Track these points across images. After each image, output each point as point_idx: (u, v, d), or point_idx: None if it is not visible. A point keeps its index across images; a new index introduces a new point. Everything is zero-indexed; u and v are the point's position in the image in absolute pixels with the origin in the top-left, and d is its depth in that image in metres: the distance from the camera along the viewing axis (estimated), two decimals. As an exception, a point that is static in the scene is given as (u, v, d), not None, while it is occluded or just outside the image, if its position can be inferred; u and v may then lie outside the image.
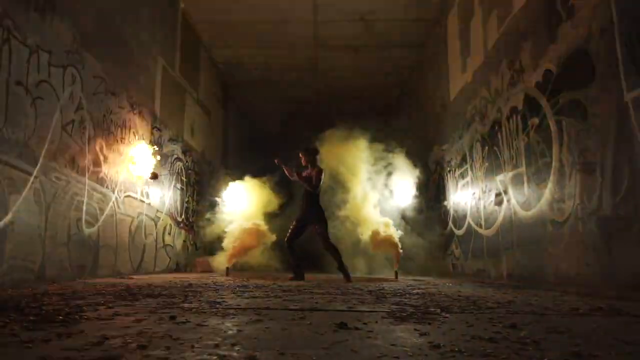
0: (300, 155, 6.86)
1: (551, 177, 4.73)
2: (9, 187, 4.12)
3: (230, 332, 1.78)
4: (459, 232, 7.88)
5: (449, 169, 8.56)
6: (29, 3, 4.44)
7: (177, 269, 8.72)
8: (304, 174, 6.71)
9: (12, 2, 4.19)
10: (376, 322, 2.08)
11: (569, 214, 4.38)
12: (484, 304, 2.95)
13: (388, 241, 7.03)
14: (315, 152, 6.89)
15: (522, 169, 5.42)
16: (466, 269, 7.44)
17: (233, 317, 2.17)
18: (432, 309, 2.58)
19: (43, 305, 2.43)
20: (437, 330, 1.88)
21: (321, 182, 6.66)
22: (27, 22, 4.41)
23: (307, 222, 6.62)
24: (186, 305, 2.63)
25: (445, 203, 8.73)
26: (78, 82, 5.32)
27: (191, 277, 6.56)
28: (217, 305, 2.64)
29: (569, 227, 4.38)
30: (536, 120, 5.07)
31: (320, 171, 6.69)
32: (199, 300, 2.91)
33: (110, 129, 6.10)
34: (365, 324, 2.01)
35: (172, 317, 2.04)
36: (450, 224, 8.39)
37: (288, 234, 6.68)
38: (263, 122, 15.21)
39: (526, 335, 1.77)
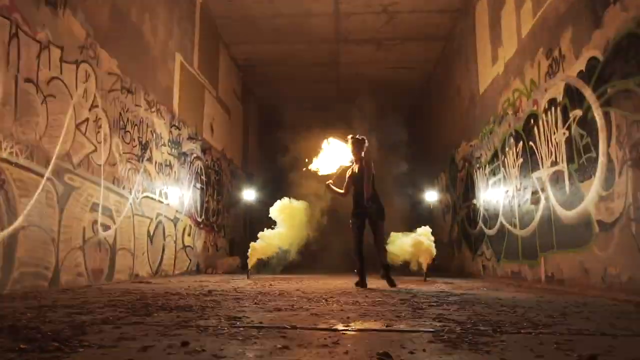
0: (353, 146, 5.80)
1: (597, 174, 4.33)
2: (19, 190, 3.92)
3: (252, 365, 1.49)
4: (490, 232, 7.48)
5: (478, 165, 8.16)
6: (39, -4, 4.23)
7: (198, 270, 8.51)
8: (355, 170, 5.79)
9: (20, -6, 3.98)
10: (423, 350, 1.75)
11: (620, 214, 3.98)
12: (536, 318, 2.61)
13: (427, 251, 6.96)
14: (363, 141, 5.81)
15: (563, 165, 5.02)
16: (498, 271, 7.05)
17: (255, 342, 1.88)
18: (482, 328, 2.25)
19: (43, 324, 2.17)
20: (500, 363, 1.56)
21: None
22: (37, 15, 4.20)
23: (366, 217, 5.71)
24: (202, 322, 2.35)
25: (475, 201, 8.32)
26: (92, 79, 5.11)
27: (212, 280, 6.31)
28: (237, 323, 2.35)
29: (620, 228, 3.99)
30: (579, 113, 4.67)
31: (369, 161, 5.73)
32: (217, 315, 2.63)
33: (126, 128, 5.88)
34: (411, 353, 1.69)
35: (185, 344, 1.76)
36: (480, 223, 7.99)
37: (355, 241, 5.70)
38: (283, 118, 14.94)
39: (614, 372, 1.44)
